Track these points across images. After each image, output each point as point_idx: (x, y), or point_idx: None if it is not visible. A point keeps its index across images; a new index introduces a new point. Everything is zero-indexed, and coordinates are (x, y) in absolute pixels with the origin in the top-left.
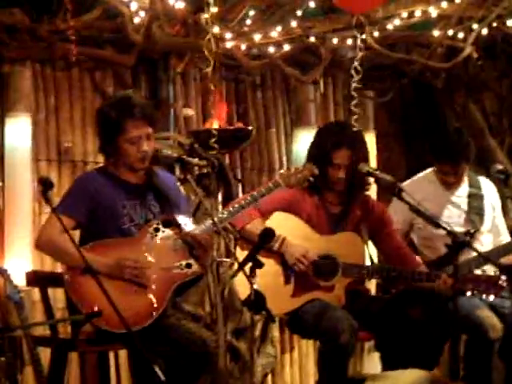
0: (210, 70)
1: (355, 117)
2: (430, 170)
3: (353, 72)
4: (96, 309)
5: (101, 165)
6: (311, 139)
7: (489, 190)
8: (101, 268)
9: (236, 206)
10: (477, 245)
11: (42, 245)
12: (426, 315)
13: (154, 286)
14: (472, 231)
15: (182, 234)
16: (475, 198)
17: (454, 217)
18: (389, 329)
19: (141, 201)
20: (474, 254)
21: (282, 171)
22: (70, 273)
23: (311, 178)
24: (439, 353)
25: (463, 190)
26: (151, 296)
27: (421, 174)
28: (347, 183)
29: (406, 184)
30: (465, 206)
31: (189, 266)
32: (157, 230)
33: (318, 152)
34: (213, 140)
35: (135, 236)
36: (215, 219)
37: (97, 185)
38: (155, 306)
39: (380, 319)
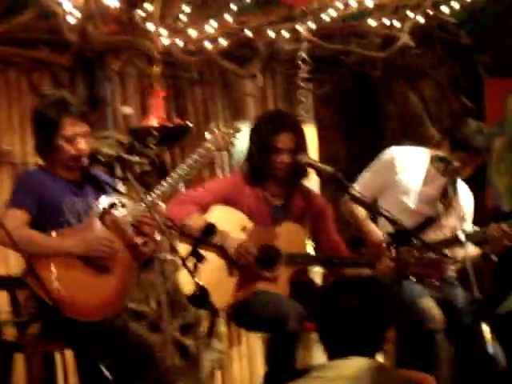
0: (154, 70)
1: (301, 105)
2: (425, 149)
3: (300, 62)
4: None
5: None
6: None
7: (463, 191)
8: (71, 248)
9: (172, 177)
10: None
11: (4, 241)
12: (364, 302)
13: (119, 268)
14: (429, 218)
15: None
16: (451, 190)
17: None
18: (329, 318)
19: (80, 197)
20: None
21: (208, 135)
22: (27, 272)
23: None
24: (380, 340)
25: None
26: (118, 278)
27: (419, 149)
28: (290, 170)
29: (401, 149)
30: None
31: (145, 244)
32: (104, 214)
33: (259, 138)
34: (152, 139)
35: (83, 224)
36: (152, 197)
37: (38, 180)
38: (123, 289)
39: (320, 308)
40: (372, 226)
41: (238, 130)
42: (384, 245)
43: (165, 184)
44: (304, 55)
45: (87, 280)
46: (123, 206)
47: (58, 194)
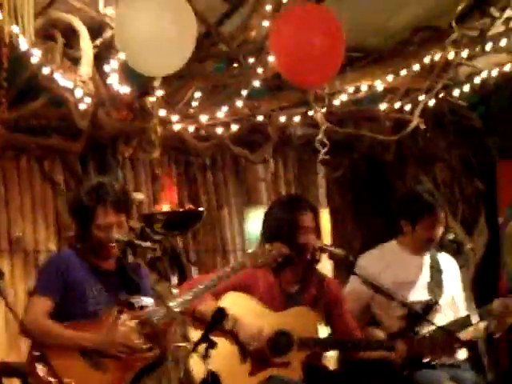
0: (156, 155)
1: (321, 190)
2: (392, 241)
3: (317, 145)
4: None
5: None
6: (263, 215)
7: (448, 265)
8: (89, 344)
9: (201, 286)
10: (439, 316)
11: (28, 330)
12: None
13: (115, 370)
14: (433, 301)
15: (142, 320)
16: (435, 270)
17: (421, 280)
18: None
19: (109, 287)
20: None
21: (249, 251)
22: (29, 360)
23: (280, 259)
24: None
25: (426, 259)
26: (112, 379)
27: (383, 245)
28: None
29: (367, 254)
30: (427, 276)
31: (150, 349)
32: (120, 312)
33: (282, 221)
34: (159, 224)
35: (99, 318)
36: (177, 302)
37: (69, 265)
38: None
39: None
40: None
41: (281, 252)
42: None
43: (191, 293)
44: (322, 138)
45: (81, 375)
46: (142, 307)
47: (86, 281)
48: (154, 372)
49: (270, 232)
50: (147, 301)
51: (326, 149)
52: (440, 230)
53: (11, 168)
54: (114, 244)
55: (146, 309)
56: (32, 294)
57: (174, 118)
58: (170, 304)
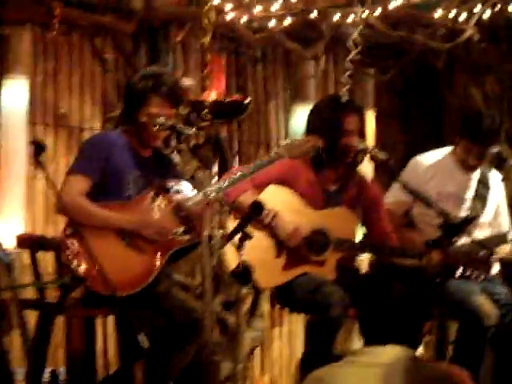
0: (206, 41)
1: (346, 87)
2: (449, 148)
3: (351, 44)
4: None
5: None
6: (308, 114)
7: (496, 184)
8: (126, 224)
9: (238, 174)
10: (479, 232)
11: (64, 208)
12: (406, 291)
13: (150, 251)
14: (473, 216)
15: (176, 204)
16: (482, 186)
17: (466, 195)
18: (368, 304)
19: (145, 173)
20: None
21: (285, 142)
22: (65, 235)
23: (314, 152)
24: (418, 331)
25: (475, 174)
26: (147, 260)
27: (441, 150)
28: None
29: (417, 158)
30: (472, 191)
31: (185, 232)
32: (157, 194)
33: (327, 121)
34: (205, 111)
35: (135, 200)
36: (213, 188)
37: (111, 147)
38: (150, 270)
39: (361, 293)
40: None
41: (316, 145)
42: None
43: (226, 180)
44: (356, 37)
45: (117, 255)
46: (179, 191)
47: (125, 165)
48: (188, 256)
49: (313, 130)
50: (184, 186)
51: (358, 49)
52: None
53: (62, 43)
54: (158, 133)
55: (182, 193)
56: (69, 171)
57: (228, 6)
58: (207, 190)
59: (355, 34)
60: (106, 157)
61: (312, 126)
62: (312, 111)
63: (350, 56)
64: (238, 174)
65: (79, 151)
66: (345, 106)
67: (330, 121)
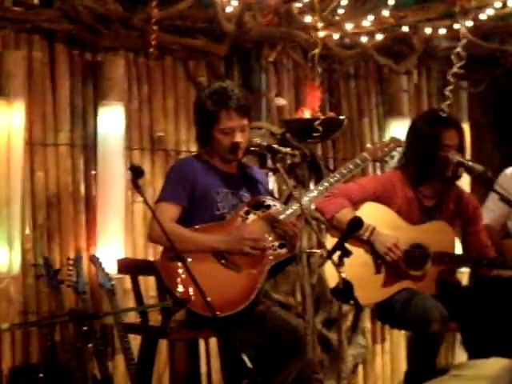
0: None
1: (448, 102)
2: None
3: (453, 57)
4: (189, 293)
5: (196, 153)
6: (407, 129)
7: None
8: (219, 244)
9: (325, 184)
10: None
11: (156, 237)
12: (507, 303)
13: (249, 268)
14: None
15: (270, 217)
16: None
17: None
18: (471, 317)
19: (233, 190)
20: None
21: (368, 145)
22: (163, 259)
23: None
24: None
25: None
26: (247, 279)
27: None
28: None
29: (508, 170)
30: None
31: (282, 246)
32: (247, 212)
33: (425, 136)
34: (299, 131)
35: (228, 219)
36: (305, 200)
37: (194, 170)
38: (251, 289)
39: (463, 307)
40: None
41: (399, 144)
42: None
43: (315, 190)
44: (460, 51)
45: (216, 276)
46: (270, 206)
47: (212, 185)
48: (287, 275)
49: (412, 145)
50: (273, 201)
51: (461, 62)
52: None
53: (156, 67)
54: (240, 147)
55: (274, 208)
56: (158, 200)
57: (319, 24)
58: (300, 202)
59: (459, 48)
60: (190, 181)
61: (411, 141)
62: (411, 126)
63: (454, 69)
64: (325, 182)
65: (165, 180)
66: (444, 120)
67: (429, 136)
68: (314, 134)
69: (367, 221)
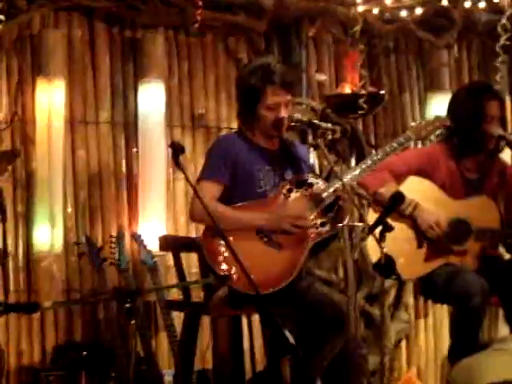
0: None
1: (499, 74)
2: None
3: (499, 29)
4: (231, 270)
5: (237, 130)
6: (449, 102)
7: None
8: (260, 222)
9: (368, 161)
10: None
11: (198, 215)
12: None
13: (290, 246)
14: None
15: (313, 194)
16: None
17: None
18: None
19: (275, 167)
20: None
21: (412, 124)
22: (205, 236)
23: (443, 130)
24: None
25: None
26: (289, 256)
27: None
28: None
29: None
30: None
31: (323, 224)
32: (290, 190)
33: (468, 107)
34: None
35: (270, 197)
36: (347, 178)
37: (236, 147)
38: (293, 266)
39: (506, 282)
40: None
41: (443, 122)
42: None
43: (358, 168)
44: (506, 22)
45: (258, 254)
46: (313, 184)
47: (254, 162)
48: (329, 251)
49: (455, 117)
50: (316, 179)
51: (508, 34)
52: None
53: (196, 44)
54: (285, 124)
55: (317, 185)
56: (199, 179)
57: None
58: (343, 179)
59: (503, 20)
60: (232, 159)
61: (453, 113)
62: (452, 98)
63: (501, 42)
64: (369, 160)
65: (206, 158)
66: (486, 91)
67: (472, 106)
68: (359, 111)
69: (410, 195)
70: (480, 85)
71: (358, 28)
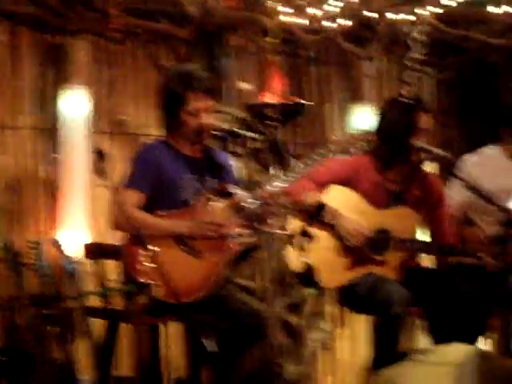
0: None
1: (407, 88)
2: (493, 147)
3: (409, 42)
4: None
5: (161, 137)
6: (378, 115)
7: None
8: (182, 229)
9: (290, 173)
10: None
11: (119, 223)
12: (472, 289)
13: (211, 254)
14: None
15: (233, 203)
16: None
17: None
18: (434, 302)
19: (198, 175)
20: None
21: (335, 137)
22: (126, 244)
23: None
24: (483, 327)
25: None
26: (208, 265)
27: (483, 150)
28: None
29: (466, 158)
30: None
31: (246, 234)
32: (211, 199)
33: (400, 122)
34: (263, 115)
35: (192, 205)
36: (269, 187)
37: (159, 156)
38: (212, 275)
39: (426, 293)
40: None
41: (366, 136)
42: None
43: (280, 180)
44: (417, 36)
45: (178, 262)
46: (234, 193)
47: (177, 171)
48: (248, 259)
49: (385, 131)
50: (237, 188)
51: (418, 47)
52: None
53: (117, 51)
54: (208, 130)
55: (238, 194)
56: (122, 187)
57: (283, 9)
58: (265, 188)
59: (415, 33)
60: (155, 169)
61: (383, 125)
62: (384, 111)
63: (410, 54)
64: (290, 170)
65: (130, 166)
66: (419, 104)
67: (404, 120)
68: (272, 119)
69: (332, 204)
70: (411, 98)
71: (278, 38)
